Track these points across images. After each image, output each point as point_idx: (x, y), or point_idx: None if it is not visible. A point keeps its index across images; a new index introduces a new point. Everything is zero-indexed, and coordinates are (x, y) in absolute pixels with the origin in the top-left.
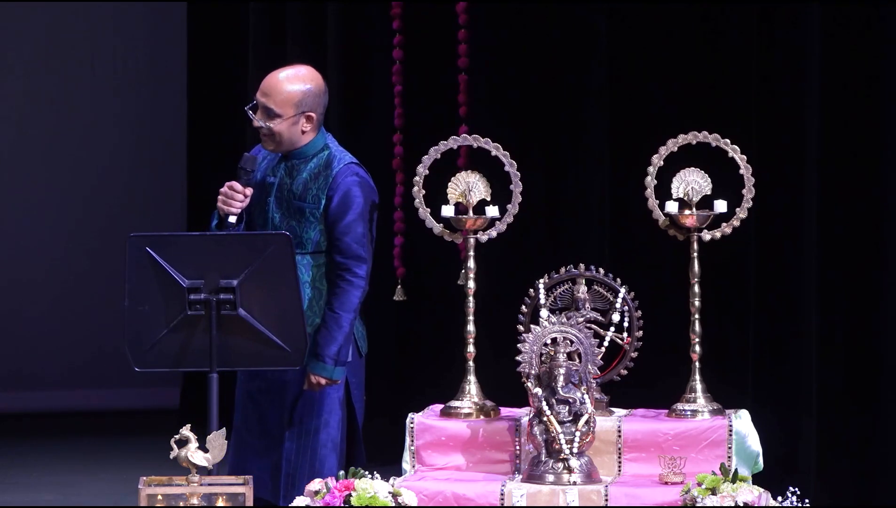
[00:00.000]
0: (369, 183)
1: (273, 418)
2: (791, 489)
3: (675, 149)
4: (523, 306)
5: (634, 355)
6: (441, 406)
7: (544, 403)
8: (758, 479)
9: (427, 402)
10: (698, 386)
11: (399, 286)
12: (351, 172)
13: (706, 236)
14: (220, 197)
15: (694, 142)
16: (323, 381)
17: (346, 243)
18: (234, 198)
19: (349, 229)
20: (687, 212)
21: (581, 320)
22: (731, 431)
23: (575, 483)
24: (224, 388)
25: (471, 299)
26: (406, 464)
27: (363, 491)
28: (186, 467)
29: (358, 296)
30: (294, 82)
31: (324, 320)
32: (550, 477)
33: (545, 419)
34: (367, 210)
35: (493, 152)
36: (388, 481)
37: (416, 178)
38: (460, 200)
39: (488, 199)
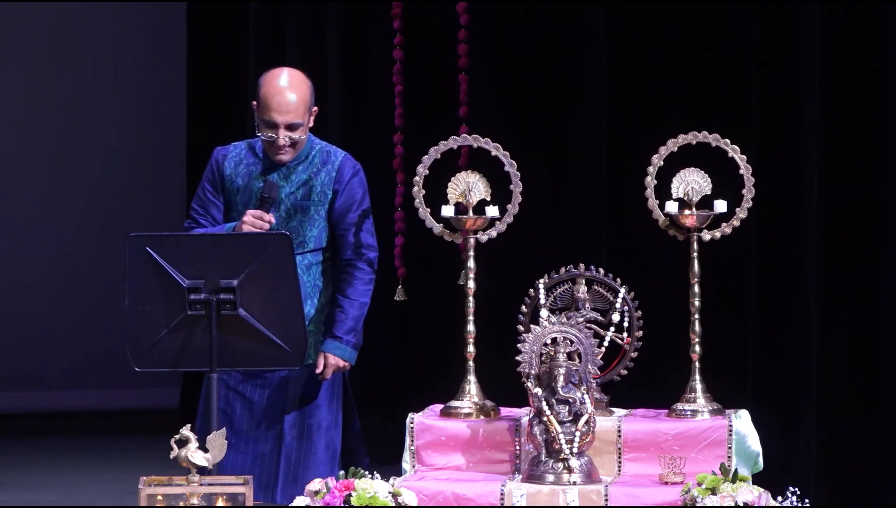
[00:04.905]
0: (364, 176)
1: (267, 414)
2: (791, 489)
3: (675, 149)
4: (523, 306)
5: (634, 355)
6: (441, 406)
7: (544, 403)
8: (758, 479)
9: (427, 402)
10: (698, 386)
11: (399, 286)
12: (352, 165)
13: (706, 236)
14: (245, 226)
15: (694, 142)
16: (341, 363)
17: (356, 233)
18: (262, 228)
19: (358, 219)
20: (687, 212)
21: (581, 320)
22: (731, 431)
23: (575, 483)
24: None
25: (471, 299)
26: (406, 464)
27: (363, 491)
28: (186, 467)
29: (371, 283)
30: (299, 85)
31: (339, 305)
32: (550, 477)
33: (545, 419)
34: (369, 202)
35: (493, 152)
36: (388, 481)
37: (416, 178)
38: (460, 200)
39: (488, 199)
